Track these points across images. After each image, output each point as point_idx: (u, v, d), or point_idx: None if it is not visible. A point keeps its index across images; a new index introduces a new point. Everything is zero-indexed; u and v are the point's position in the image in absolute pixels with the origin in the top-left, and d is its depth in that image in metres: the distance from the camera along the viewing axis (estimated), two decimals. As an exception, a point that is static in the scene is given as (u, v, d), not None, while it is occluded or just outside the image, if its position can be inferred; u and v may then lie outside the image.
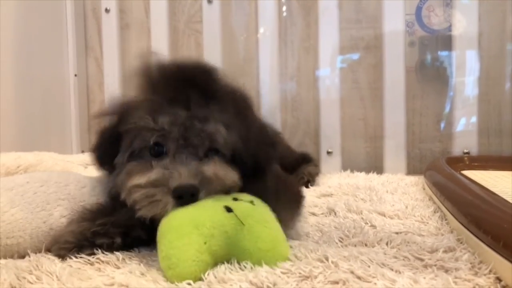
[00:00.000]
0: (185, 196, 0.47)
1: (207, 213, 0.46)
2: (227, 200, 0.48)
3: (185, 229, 0.44)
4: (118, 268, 0.46)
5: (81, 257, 0.48)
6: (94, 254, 0.48)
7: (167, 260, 0.42)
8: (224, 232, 0.44)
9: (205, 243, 0.43)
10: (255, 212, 0.47)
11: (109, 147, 0.54)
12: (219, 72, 0.56)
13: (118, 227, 0.51)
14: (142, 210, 0.48)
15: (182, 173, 0.48)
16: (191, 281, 0.41)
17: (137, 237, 0.51)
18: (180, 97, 0.50)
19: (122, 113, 0.54)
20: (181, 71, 0.53)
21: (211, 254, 0.44)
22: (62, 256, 0.48)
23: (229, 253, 0.45)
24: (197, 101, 0.50)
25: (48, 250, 0.51)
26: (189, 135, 0.50)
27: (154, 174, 0.48)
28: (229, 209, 0.46)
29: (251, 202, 0.49)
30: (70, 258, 0.48)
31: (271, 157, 0.59)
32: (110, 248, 0.50)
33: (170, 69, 0.54)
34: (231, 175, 0.51)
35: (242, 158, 0.53)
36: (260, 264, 0.44)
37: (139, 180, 0.49)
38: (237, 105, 0.54)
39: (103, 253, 0.49)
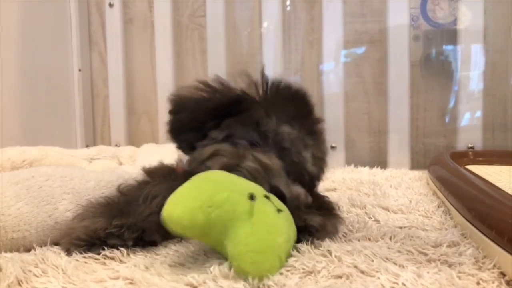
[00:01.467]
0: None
1: (234, 186, 0.45)
2: (260, 191, 0.47)
3: (205, 185, 0.44)
4: (123, 262, 0.46)
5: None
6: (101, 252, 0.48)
7: (172, 196, 0.43)
8: (232, 210, 0.42)
9: (209, 206, 0.42)
10: (271, 217, 0.44)
11: (203, 117, 0.56)
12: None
13: (134, 231, 0.49)
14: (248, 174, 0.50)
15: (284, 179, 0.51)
16: (195, 275, 0.41)
17: (151, 241, 0.50)
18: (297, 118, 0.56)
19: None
20: (291, 95, 0.59)
21: (206, 219, 0.42)
22: (70, 252, 0.48)
23: (221, 232, 0.42)
24: (300, 124, 0.56)
25: (56, 243, 0.52)
26: (286, 145, 0.55)
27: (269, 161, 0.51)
28: (252, 197, 0.44)
29: (279, 210, 0.46)
30: (77, 254, 0.47)
31: (324, 171, 0.64)
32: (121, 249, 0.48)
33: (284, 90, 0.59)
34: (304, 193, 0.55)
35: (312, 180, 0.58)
36: (231, 262, 0.42)
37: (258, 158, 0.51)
38: (316, 130, 0.60)
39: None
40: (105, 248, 0.48)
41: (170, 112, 0.60)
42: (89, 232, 0.48)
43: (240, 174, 0.50)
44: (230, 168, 0.50)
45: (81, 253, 0.47)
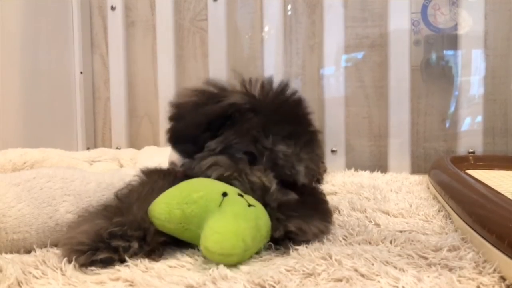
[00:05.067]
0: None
1: (211, 187, 0.50)
2: (234, 191, 0.51)
3: (185, 186, 0.50)
4: (123, 263, 0.46)
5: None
6: (111, 259, 0.45)
7: (159, 196, 0.50)
8: (206, 205, 0.48)
9: (185, 203, 0.48)
10: (239, 207, 0.48)
11: (207, 128, 0.57)
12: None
13: (136, 229, 0.47)
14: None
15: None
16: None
17: (162, 242, 0.49)
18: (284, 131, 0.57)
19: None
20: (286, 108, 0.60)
21: (182, 213, 0.48)
22: (78, 262, 0.44)
23: (198, 225, 0.47)
24: (296, 139, 0.57)
25: (56, 245, 0.51)
26: (280, 163, 0.56)
27: (264, 179, 0.54)
28: (224, 194, 0.49)
29: (250, 205, 0.50)
30: (89, 265, 0.44)
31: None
32: (126, 252, 0.46)
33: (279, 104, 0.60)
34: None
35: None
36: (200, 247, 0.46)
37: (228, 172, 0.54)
38: (312, 138, 0.61)
39: (119, 257, 0.45)
40: (113, 252, 0.45)
41: (169, 119, 0.62)
42: (91, 235, 0.45)
43: (240, 184, 0.53)
44: (229, 179, 0.54)
45: (87, 263, 0.44)
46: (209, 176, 0.55)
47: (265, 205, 0.52)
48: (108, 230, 0.45)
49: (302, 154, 0.58)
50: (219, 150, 0.56)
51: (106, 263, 0.45)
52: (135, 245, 0.47)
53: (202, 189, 0.50)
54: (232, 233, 0.45)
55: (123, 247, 0.46)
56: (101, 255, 0.44)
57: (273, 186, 0.54)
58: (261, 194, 0.53)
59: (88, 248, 0.44)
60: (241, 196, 0.51)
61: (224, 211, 0.47)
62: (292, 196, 0.57)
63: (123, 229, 0.46)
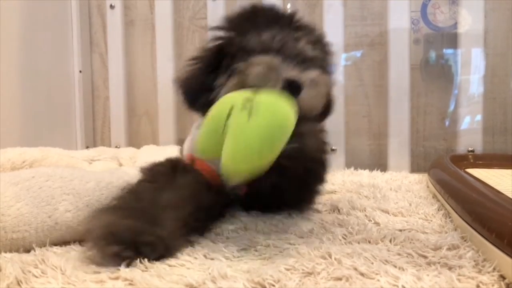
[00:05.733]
0: (291, 90, 0.54)
1: (221, 106, 0.53)
2: (241, 102, 0.51)
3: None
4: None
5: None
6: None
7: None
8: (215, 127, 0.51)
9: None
10: (238, 126, 0.49)
11: (205, 77, 0.61)
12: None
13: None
14: (255, 79, 0.55)
15: (291, 69, 0.56)
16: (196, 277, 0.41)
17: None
18: (276, 24, 0.61)
19: (229, 35, 0.63)
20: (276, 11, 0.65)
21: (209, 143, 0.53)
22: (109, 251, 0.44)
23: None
24: (287, 27, 0.61)
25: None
26: (286, 49, 0.59)
27: (269, 59, 0.56)
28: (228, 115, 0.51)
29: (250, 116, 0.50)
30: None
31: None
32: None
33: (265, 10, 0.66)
34: (328, 79, 0.62)
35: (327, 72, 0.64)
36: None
37: (257, 60, 0.56)
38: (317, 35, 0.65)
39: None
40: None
41: (179, 87, 0.66)
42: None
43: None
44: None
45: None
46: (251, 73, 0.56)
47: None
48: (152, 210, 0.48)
49: (304, 36, 0.62)
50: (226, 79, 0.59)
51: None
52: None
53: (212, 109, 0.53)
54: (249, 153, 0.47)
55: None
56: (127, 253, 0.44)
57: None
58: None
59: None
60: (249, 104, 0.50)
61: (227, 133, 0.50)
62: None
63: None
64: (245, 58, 0.58)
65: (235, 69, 0.58)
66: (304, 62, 0.59)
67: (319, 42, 0.65)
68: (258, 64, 0.56)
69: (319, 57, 0.62)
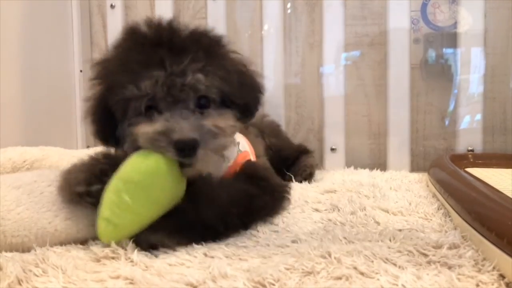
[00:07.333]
0: (186, 150, 0.51)
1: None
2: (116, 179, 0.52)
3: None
4: (123, 261, 0.46)
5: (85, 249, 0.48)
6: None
7: None
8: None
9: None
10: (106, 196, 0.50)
11: (105, 120, 0.59)
12: (181, 24, 0.59)
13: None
14: (144, 144, 0.53)
15: (184, 127, 0.51)
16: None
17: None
18: (154, 59, 0.54)
19: (107, 83, 0.59)
20: (148, 33, 0.58)
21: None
22: (77, 190, 0.52)
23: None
24: (170, 58, 0.54)
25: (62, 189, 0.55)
26: (174, 91, 0.54)
27: (159, 125, 0.52)
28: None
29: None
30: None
31: (258, 96, 0.63)
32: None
33: (139, 33, 0.59)
34: (229, 122, 0.56)
35: (232, 99, 0.57)
36: None
37: (146, 129, 0.53)
38: (210, 50, 0.57)
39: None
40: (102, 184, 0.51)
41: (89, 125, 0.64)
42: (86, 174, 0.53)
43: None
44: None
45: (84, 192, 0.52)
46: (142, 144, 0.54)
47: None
48: (99, 167, 0.53)
49: (190, 66, 0.54)
50: (127, 127, 0.57)
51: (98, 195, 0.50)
52: None
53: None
54: (99, 218, 0.50)
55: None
56: (95, 187, 0.51)
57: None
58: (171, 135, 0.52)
59: (85, 183, 0.52)
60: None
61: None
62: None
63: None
64: (132, 112, 0.55)
65: (131, 120, 0.56)
66: (199, 100, 0.55)
67: (215, 58, 0.57)
68: (145, 130, 0.53)
69: (215, 84, 0.55)
